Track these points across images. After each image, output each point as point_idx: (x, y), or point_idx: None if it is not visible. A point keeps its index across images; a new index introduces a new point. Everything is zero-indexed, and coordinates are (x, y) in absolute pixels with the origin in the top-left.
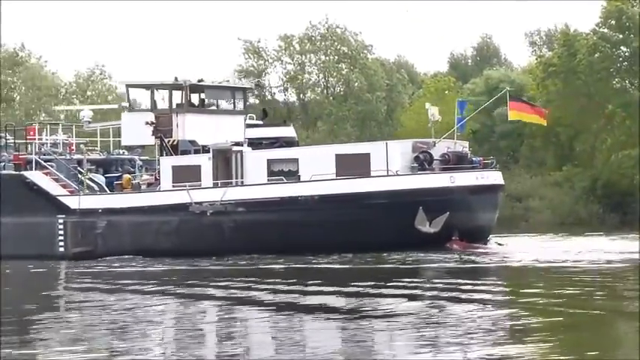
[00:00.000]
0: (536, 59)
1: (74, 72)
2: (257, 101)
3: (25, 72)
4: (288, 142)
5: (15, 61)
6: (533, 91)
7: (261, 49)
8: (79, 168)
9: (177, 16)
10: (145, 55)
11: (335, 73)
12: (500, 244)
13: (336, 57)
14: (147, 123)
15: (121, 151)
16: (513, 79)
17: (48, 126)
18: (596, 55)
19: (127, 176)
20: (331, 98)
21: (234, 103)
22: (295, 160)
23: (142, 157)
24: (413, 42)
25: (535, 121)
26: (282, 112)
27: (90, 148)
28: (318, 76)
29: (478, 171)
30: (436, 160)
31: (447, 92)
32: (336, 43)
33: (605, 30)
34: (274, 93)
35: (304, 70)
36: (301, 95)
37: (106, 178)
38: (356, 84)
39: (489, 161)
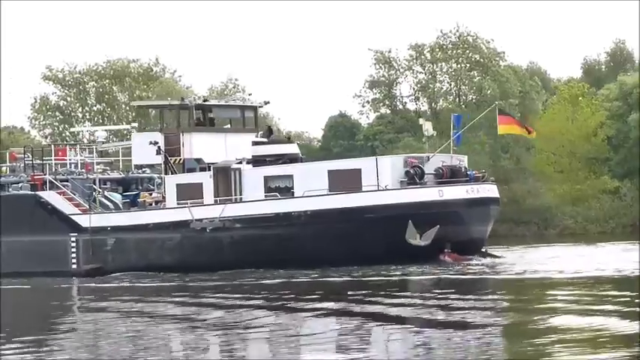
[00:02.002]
0: None
1: (208, 86)
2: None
3: (159, 87)
4: (291, 159)
5: (149, 76)
6: None
7: (392, 59)
8: (94, 187)
9: (308, 30)
10: (275, 67)
11: (467, 81)
12: (495, 256)
13: (468, 65)
14: (150, 143)
15: (143, 170)
16: None
17: (77, 146)
18: None
19: (144, 194)
20: (463, 106)
21: (243, 121)
22: (290, 177)
23: (162, 176)
24: (546, 47)
25: (524, 135)
26: (414, 121)
27: (104, 168)
28: (450, 85)
29: (469, 184)
30: (430, 174)
31: (580, 98)
32: (467, 51)
33: None
34: (405, 103)
35: (435, 78)
36: (433, 104)
37: (125, 196)
38: (488, 92)
39: (481, 174)
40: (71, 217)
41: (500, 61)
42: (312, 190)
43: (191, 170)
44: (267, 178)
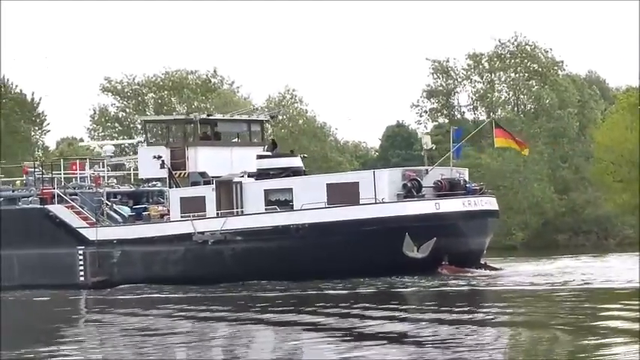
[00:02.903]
0: None
1: (266, 96)
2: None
3: (217, 98)
4: (295, 172)
5: (207, 87)
6: None
7: (449, 69)
8: (104, 200)
9: (366, 39)
10: (333, 77)
11: (525, 91)
12: (494, 269)
13: (526, 74)
14: (154, 157)
15: (154, 183)
16: None
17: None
18: None
19: (153, 207)
20: (522, 116)
21: (250, 135)
22: (290, 190)
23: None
24: (604, 56)
25: (518, 150)
26: (471, 130)
27: (113, 182)
28: (508, 94)
29: (467, 197)
30: (428, 187)
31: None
32: (525, 60)
33: None
34: (464, 112)
35: (494, 88)
36: (491, 113)
37: (135, 209)
38: (547, 101)
39: (479, 187)
40: (78, 230)
41: (559, 70)
42: (311, 203)
43: (196, 184)
44: (267, 192)
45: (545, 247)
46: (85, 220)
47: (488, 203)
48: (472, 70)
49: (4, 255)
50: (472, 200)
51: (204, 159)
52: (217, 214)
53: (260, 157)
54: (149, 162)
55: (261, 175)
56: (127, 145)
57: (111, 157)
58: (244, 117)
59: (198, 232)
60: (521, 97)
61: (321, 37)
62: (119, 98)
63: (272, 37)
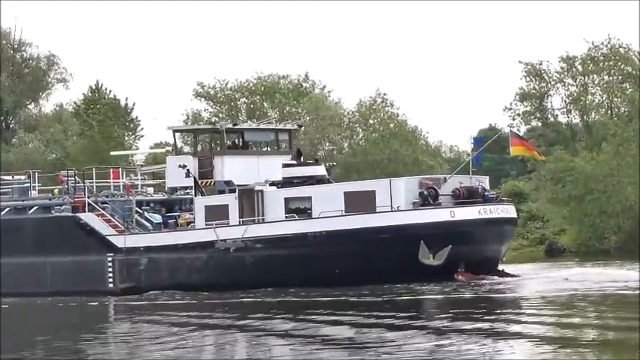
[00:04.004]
0: None
1: (357, 100)
2: None
3: (309, 102)
4: (319, 180)
5: (299, 91)
6: None
7: (542, 71)
8: (135, 208)
9: (459, 42)
10: (425, 80)
11: (619, 94)
12: (511, 275)
13: (620, 77)
14: (180, 166)
15: (187, 192)
16: None
17: (120, 169)
18: None
19: (183, 215)
20: (615, 119)
21: (277, 143)
22: (309, 198)
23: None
24: None
25: (534, 158)
26: (566, 134)
27: (142, 190)
28: (602, 97)
29: (482, 205)
30: (447, 195)
31: None
32: (619, 63)
33: None
34: (557, 115)
35: (587, 91)
36: (585, 117)
37: (167, 217)
38: None
39: (494, 195)
40: (107, 237)
41: None
42: (329, 211)
43: (222, 192)
44: (287, 200)
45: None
46: (115, 228)
47: (505, 211)
48: (565, 73)
49: (39, 262)
50: (488, 208)
51: (230, 168)
52: (240, 222)
53: (285, 165)
54: (176, 171)
55: (286, 183)
56: (159, 153)
57: (142, 165)
58: (272, 126)
59: (221, 240)
60: (615, 100)
61: (413, 40)
62: (212, 103)
63: (363, 40)
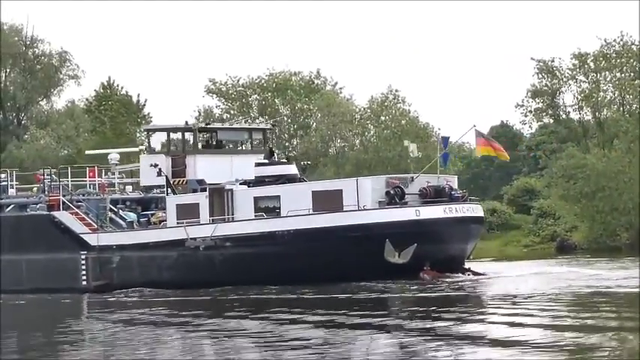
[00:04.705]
0: None
1: (368, 97)
2: None
3: (320, 99)
4: (290, 180)
5: (311, 88)
6: None
7: (554, 68)
8: (110, 206)
9: (469, 38)
10: (435, 76)
11: (631, 90)
12: (478, 274)
13: (632, 74)
14: (151, 165)
15: (163, 190)
16: None
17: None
18: None
19: (157, 213)
20: (627, 116)
21: (251, 142)
22: (277, 197)
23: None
24: None
25: (500, 157)
26: (578, 131)
27: (117, 188)
28: (614, 94)
29: (448, 204)
30: (414, 194)
31: None
32: (632, 60)
33: None
34: (569, 112)
35: (599, 88)
36: (597, 114)
37: (143, 215)
38: None
39: (461, 194)
40: (81, 235)
41: None
42: (297, 210)
43: (195, 191)
44: (256, 199)
45: None
46: (88, 226)
47: (471, 210)
48: (577, 70)
49: (15, 260)
50: (454, 207)
51: (203, 167)
52: (210, 220)
53: (257, 164)
54: (149, 170)
55: (257, 182)
56: (133, 153)
57: (116, 164)
58: (245, 126)
59: (191, 238)
60: (627, 97)
61: (425, 37)
62: (224, 100)
63: (375, 37)
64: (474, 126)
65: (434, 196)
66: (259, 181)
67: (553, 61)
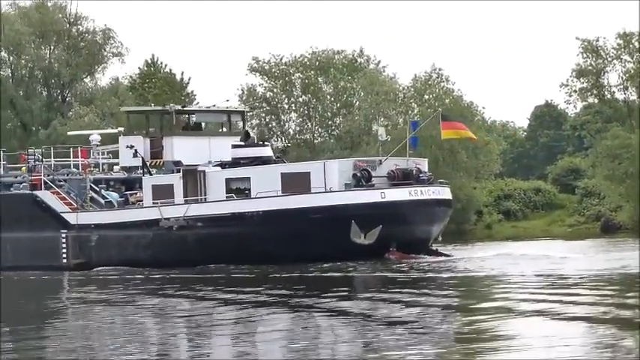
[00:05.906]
0: None
1: (412, 76)
2: None
3: (363, 78)
4: (264, 161)
5: (354, 67)
6: None
7: (599, 48)
8: (92, 186)
9: (515, 18)
10: (481, 56)
11: None
12: (445, 255)
13: None
14: (127, 146)
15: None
16: None
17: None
18: None
19: (136, 193)
20: None
21: (230, 125)
22: (248, 179)
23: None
24: None
25: (467, 137)
26: (623, 111)
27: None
28: None
29: (413, 186)
30: (382, 177)
31: None
32: None
33: None
34: (614, 92)
35: None
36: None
37: (125, 195)
38: None
39: (427, 177)
40: (62, 214)
41: None
42: (267, 191)
43: (172, 172)
44: (228, 180)
45: None
46: (69, 206)
47: (437, 192)
48: (622, 50)
49: None
50: (419, 189)
51: (179, 148)
52: (184, 201)
53: (234, 146)
54: (127, 151)
55: (233, 164)
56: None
57: (97, 145)
58: (223, 108)
59: (165, 218)
60: None
61: (469, 15)
62: (267, 78)
63: (419, 16)
64: (439, 110)
65: (402, 178)
66: (235, 163)
67: (598, 40)
